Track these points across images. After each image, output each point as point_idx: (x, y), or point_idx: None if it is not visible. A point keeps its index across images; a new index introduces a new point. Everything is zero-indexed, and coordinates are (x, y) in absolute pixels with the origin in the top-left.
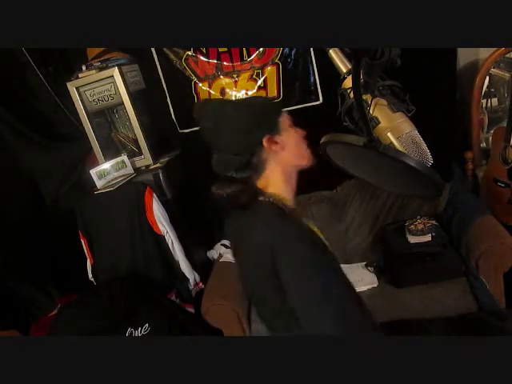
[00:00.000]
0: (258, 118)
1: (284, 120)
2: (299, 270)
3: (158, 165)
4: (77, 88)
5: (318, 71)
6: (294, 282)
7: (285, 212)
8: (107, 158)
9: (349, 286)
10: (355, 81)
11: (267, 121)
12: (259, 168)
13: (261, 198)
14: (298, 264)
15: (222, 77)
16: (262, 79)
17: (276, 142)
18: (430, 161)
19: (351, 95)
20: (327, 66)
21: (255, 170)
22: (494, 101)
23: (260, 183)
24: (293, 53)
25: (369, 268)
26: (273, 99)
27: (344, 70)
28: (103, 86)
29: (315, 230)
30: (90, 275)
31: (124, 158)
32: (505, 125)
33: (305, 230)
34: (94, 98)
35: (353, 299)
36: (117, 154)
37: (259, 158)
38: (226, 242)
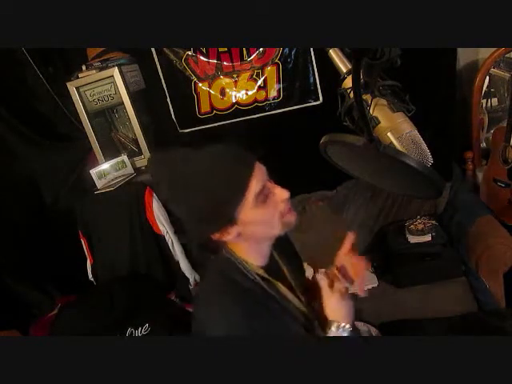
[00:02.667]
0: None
1: (247, 201)
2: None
3: None
4: (77, 88)
5: (318, 71)
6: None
7: (236, 281)
8: (107, 158)
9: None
10: (355, 81)
11: (213, 220)
12: (219, 245)
13: (223, 252)
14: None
15: (221, 77)
16: (262, 79)
17: (226, 235)
18: (430, 161)
19: (351, 95)
20: (327, 66)
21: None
22: (494, 101)
23: (229, 246)
24: (293, 53)
25: (369, 268)
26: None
27: (344, 70)
28: (103, 85)
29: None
30: (90, 275)
31: (124, 157)
32: (505, 125)
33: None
34: (94, 98)
35: None
36: (117, 154)
37: (214, 243)
38: None
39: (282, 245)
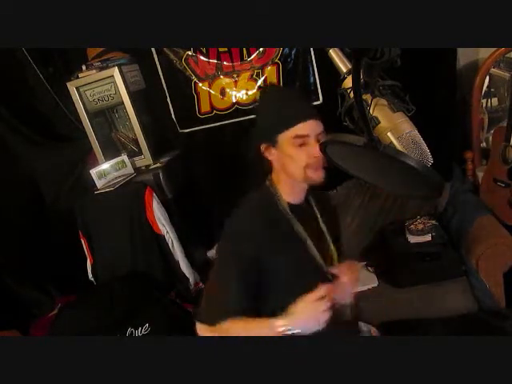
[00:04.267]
0: (264, 124)
1: (289, 134)
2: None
3: (158, 165)
4: (77, 88)
5: (318, 71)
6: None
7: (268, 209)
8: (107, 157)
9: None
10: (355, 81)
11: (266, 131)
12: (267, 163)
13: (266, 182)
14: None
15: (222, 77)
16: (262, 79)
17: (270, 153)
18: (430, 161)
19: (351, 95)
20: (327, 66)
21: (266, 162)
22: (494, 101)
23: (273, 175)
24: (293, 53)
25: (369, 268)
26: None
27: (344, 70)
28: (103, 85)
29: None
30: (90, 275)
31: (124, 157)
32: (505, 125)
33: (254, 233)
34: (94, 97)
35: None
36: (117, 153)
37: (265, 157)
38: None
39: (322, 199)
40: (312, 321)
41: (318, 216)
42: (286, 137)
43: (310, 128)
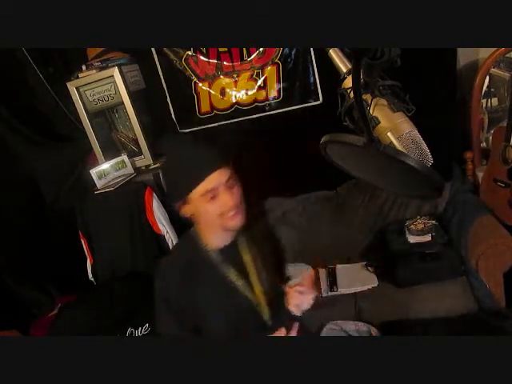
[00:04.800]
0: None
1: (197, 192)
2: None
3: (158, 165)
4: (77, 88)
5: (318, 71)
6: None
7: (190, 256)
8: (107, 157)
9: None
10: (355, 81)
11: (175, 192)
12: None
13: (191, 229)
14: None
15: (222, 77)
16: (262, 79)
17: (185, 211)
18: (430, 161)
19: (351, 95)
20: (327, 66)
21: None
22: (494, 101)
23: (195, 224)
24: (293, 53)
25: (369, 268)
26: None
27: (344, 70)
28: (103, 85)
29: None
30: (90, 275)
31: (124, 157)
32: (505, 125)
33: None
34: (94, 97)
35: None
36: (117, 153)
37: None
38: None
39: (257, 238)
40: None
41: (246, 255)
42: (195, 195)
43: (216, 180)
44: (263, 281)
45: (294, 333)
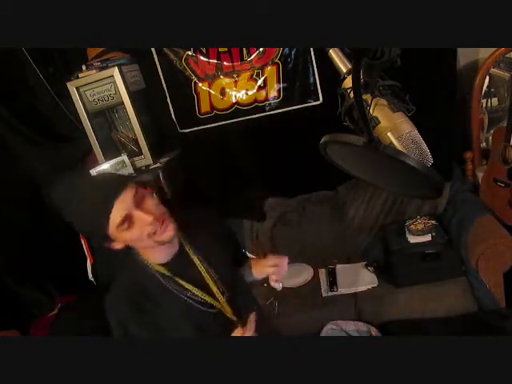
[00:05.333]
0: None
1: (112, 228)
2: None
3: (158, 165)
4: (77, 88)
5: (318, 71)
6: None
7: (134, 277)
8: (107, 157)
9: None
10: (355, 81)
11: (94, 238)
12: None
13: (133, 252)
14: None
15: (222, 77)
16: (262, 79)
17: (114, 245)
18: (430, 161)
19: (351, 95)
20: (327, 66)
21: None
22: (494, 101)
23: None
24: (293, 53)
25: (369, 268)
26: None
27: (344, 70)
28: (103, 85)
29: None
30: (90, 275)
31: (124, 157)
32: (505, 125)
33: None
34: (94, 97)
35: None
36: (117, 154)
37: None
38: None
39: (200, 238)
40: None
41: (196, 259)
42: (113, 232)
43: (121, 207)
44: (219, 279)
45: (252, 326)
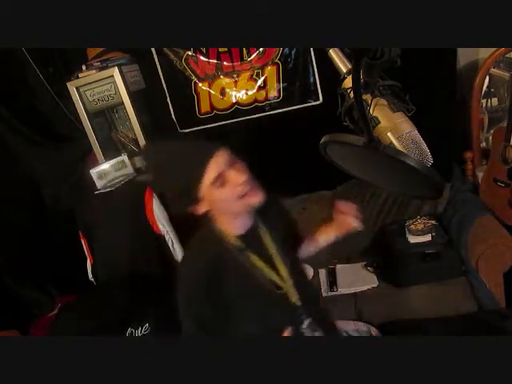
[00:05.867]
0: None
1: (204, 186)
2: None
3: None
4: (77, 88)
5: (318, 71)
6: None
7: (212, 246)
8: (107, 157)
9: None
10: (355, 81)
11: (181, 199)
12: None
13: (206, 221)
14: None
15: (222, 77)
16: (262, 79)
17: (198, 210)
18: (430, 161)
19: (351, 95)
20: (327, 66)
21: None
22: (494, 101)
23: (211, 214)
24: (293, 53)
25: (369, 268)
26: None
27: (344, 70)
28: (103, 85)
29: (253, 262)
30: (90, 275)
31: (124, 157)
32: (505, 125)
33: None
34: (94, 97)
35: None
36: (117, 153)
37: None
38: None
39: (271, 217)
40: None
41: (267, 237)
42: (204, 189)
43: (217, 165)
44: (286, 262)
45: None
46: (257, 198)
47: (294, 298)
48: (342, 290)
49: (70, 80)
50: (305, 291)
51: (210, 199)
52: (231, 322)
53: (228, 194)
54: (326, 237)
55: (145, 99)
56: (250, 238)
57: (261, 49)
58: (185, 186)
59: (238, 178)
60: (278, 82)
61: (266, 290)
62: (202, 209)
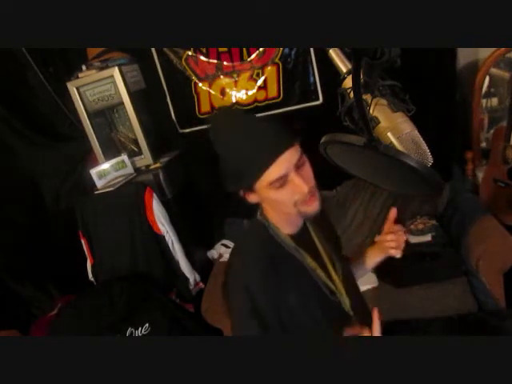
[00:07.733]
0: (238, 170)
1: (263, 181)
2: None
3: (158, 165)
4: (77, 88)
5: (318, 71)
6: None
7: (269, 248)
8: (107, 157)
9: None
10: (355, 81)
11: (236, 178)
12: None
13: (258, 217)
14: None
15: (222, 77)
16: (262, 79)
17: (251, 197)
18: (430, 161)
19: (351, 95)
20: (327, 66)
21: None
22: (494, 101)
23: (263, 209)
24: (293, 53)
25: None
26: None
27: (344, 70)
28: (103, 85)
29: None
30: (90, 275)
31: (124, 157)
32: (505, 125)
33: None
34: (94, 97)
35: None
36: (117, 153)
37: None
38: (226, 242)
39: (319, 220)
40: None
41: (317, 239)
42: (261, 184)
43: (284, 165)
44: (336, 265)
45: (377, 325)
46: (313, 208)
47: (347, 306)
48: None
49: (70, 80)
50: (356, 302)
51: (263, 196)
52: (290, 324)
53: (284, 197)
54: (372, 260)
55: (145, 99)
56: (302, 238)
57: (261, 49)
58: (246, 171)
59: (302, 186)
60: (278, 82)
61: (323, 294)
62: (252, 199)
